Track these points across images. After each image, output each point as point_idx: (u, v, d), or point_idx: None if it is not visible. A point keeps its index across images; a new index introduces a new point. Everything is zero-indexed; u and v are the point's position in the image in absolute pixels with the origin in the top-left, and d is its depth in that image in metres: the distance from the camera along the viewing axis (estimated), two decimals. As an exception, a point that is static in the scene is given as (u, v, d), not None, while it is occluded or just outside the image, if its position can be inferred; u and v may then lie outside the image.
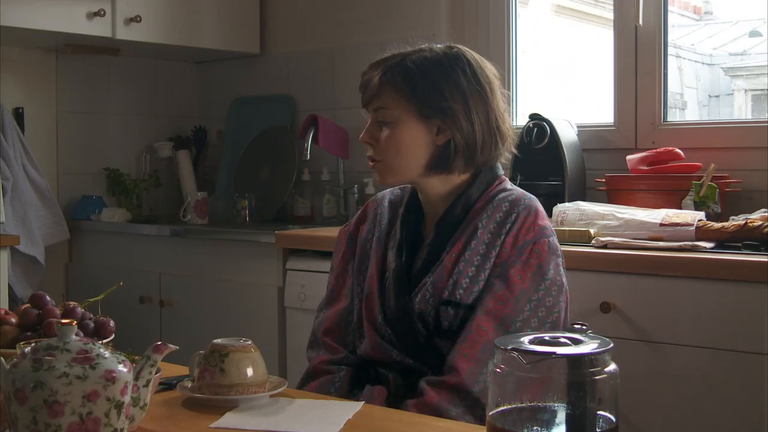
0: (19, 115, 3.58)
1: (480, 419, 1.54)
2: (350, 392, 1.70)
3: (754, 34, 3.22)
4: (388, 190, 1.87)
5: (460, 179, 1.73)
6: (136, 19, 3.40)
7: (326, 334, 1.77)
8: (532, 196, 1.72)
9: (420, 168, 1.70)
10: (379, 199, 1.86)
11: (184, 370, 1.60)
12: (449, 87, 1.67)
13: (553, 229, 1.70)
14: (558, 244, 1.69)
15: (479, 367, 1.57)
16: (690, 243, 2.23)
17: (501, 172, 1.76)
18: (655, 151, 2.73)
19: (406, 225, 1.75)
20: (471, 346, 1.60)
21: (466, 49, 1.74)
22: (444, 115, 1.67)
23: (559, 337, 1.04)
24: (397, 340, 1.68)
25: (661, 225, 2.31)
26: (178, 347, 1.29)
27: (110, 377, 1.09)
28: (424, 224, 1.77)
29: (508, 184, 1.74)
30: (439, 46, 1.73)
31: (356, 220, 1.87)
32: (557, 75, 3.40)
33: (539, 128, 2.83)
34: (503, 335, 1.55)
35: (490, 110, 1.70)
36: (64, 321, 1.14)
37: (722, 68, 3.38)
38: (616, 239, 2.32)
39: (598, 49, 3.24)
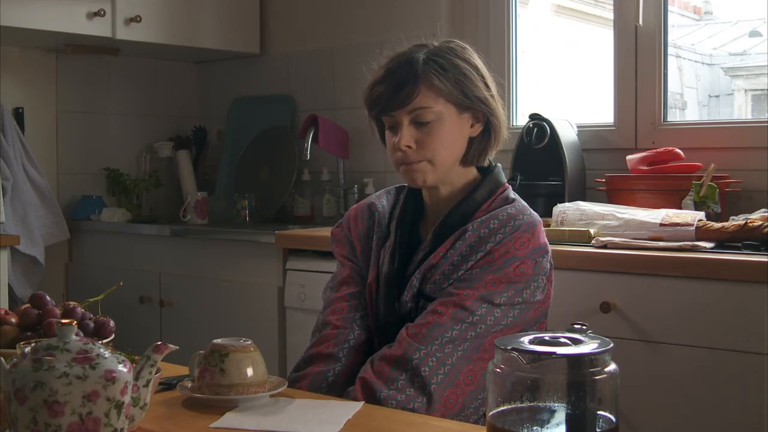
0: (19, 115, 3.58)
1: (421, 390, 1.54)
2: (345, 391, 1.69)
3: (754, 34, 3.22)
4: (383, 191, 1.85)
5: (465, 181, 1.73)
6: (136, 19, 3.40)
7: (333, 313, 1.74)
8: (535, 213, 1.69)
9: (456, 163, 1.70)
10: (375, 198, 1.83)
11: (184, 370, 1.60)
12: (479, 75, 1.69)
13: (549, 247, 1.68)
14: (549, 264, 1.67)
15: (424, 343, 1.56)
16: (690, 243, 2.23)
17: (504, 179, 1.75)
18: (655, 151, 2.73)
19: (401, 227, 1.74)
20: (422, 324, 1.59)
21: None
22: (481, 103, 1.68)
23: (559, 337, 1.04)
24: (388, 341, 1.67)
25: (661, 225, 2.31)
26: (178, 347, 1.29)
27: (110, 377, 1.09)
28: (422, 225, 1.76)
29: (512, 194, 1.72)
30: (435, 42, 1.72)
31: (347, 222, 1.83)
32: (557, 75, 3.40)
33: (539, 128, 2.83)
34: (458, 324, 1.57)
35: (498, 98, 1.73)
36: (64, 321, 1.14)
37: (722, 68, 3.38)
38: (616, 239, 2.32)
39: (598, 49, 3.24)
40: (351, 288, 1.75)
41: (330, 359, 1.68)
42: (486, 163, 1.75)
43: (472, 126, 1.70)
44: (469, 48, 1.73)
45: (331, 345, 1.69)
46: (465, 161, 1.71)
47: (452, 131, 1.67)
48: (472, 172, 1.74)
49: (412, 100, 1.64)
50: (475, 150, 1.71)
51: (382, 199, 1.82)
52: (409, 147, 1.65)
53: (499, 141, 1.73)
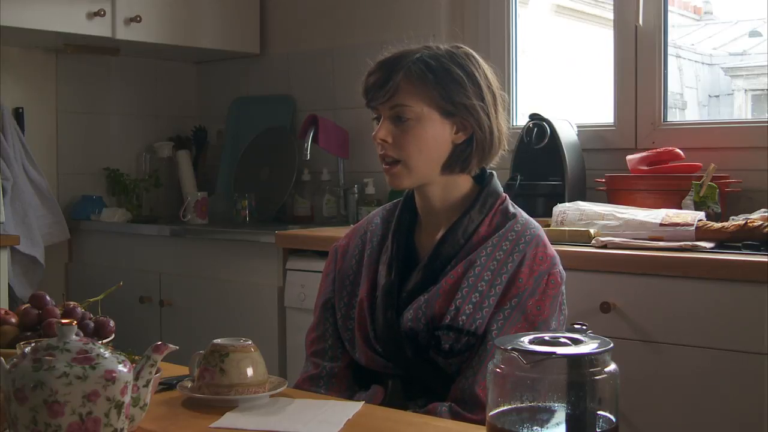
0: (19, 115, 3.58)
1: None
2: (351, 391, 1.70)
3: (754, 34, 3.22)
4: (380, 208, 1.85)
5: (461, 191, 1.71)
6: (136, 19, 3.40)
7: (308, 350, 1.78)
8: (536, 222, 1.70)
9: (437, 168, 1.67)
10: (370, 217, 1.83)
11: (184, 370, 1.60)
12: (471, 84, 1.66)
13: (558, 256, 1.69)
14: (564, 272, 1.69)
15: None
16: (690, 243, 2.23)
17: (501, 190, 1.73)
18: (655, 151, 2.73)
19: (397, 238, 1.73)
20: None
21: (469, 48, 1.74)
22: (467, 112, 1.65)
23: (559, 337, 1.04)
24: (387, 355, 1.66)
25: (661, 225, 2.31)
26: (178, 347, 1.29)
27: (110, 377, 1.09)
28: (417, 233, 1.75)
29: (510, 206, 1.71)
30: (443, 45, 1.72)
31: (346, 237, 1.84)
32: (557, 75, 3.40)
33: (539, 128, 2.83)
34: None
35: (498, 108, 1.71)
36: (64, 321, 1.14)
37: (722, 68, 3.38)
38: (616, 239, 2.32)
39: (598, 49, 3.24)
40: (316, 317, 1.79)
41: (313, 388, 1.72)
42: (473, 172, 1.71)
43: (456, 133, 1.67)
44: (475, 56, 1.71)
45: (307, 378, 1.73)
46: (446, 168, 1.68)
47: (431, 135, 1.65)
48: (467, 183, 1.72)
49: (392, 95, 1.64)
50: (457, 158, 1.68)
51: (376, 218, 1.81)
52: (385, 141, 1.66)
53: (486, 151, 1.69)
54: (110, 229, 3.60)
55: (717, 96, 3.39)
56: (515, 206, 1.72)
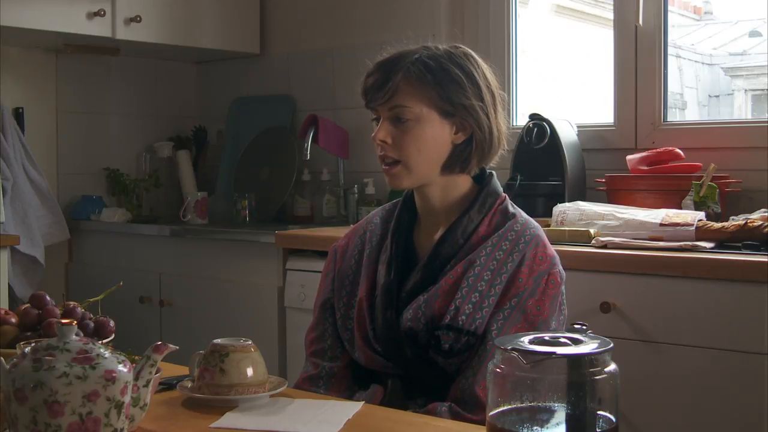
0: (19, 115, 3.58)
1: None
2: (351, 391, 1.70)
3: (754, 34, 3.22)
4: (379, 208, 1.84)
5: (460, 191, 1.71)
6: (136, 19, 3.40)
7: (307, 350, 1.78)
8: (536, 222, 1.70)
9: (436, 168, 1.67)
10: (370, 217, 1.82)
11: (184, 370, 1.60)
12: (470, 84, 1.66)
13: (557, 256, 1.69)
14: (564, 272, 1.68)
15: None
16: (690, 243, 2.23)
17: (501, 190, 1.73)
18: (655, 151, 2.73)
19: (396, 238, 1.72)
20: None
21: (468, 48, 1.74)
22: (466, 112, 1.65)
23: (559, 337, 1.04)
24: (387, 355, 1.66)
25: (661, 225, 2.31)
26: (178, 347, 1.29)
27: (110, 377, 1.09)
28: (416, 232, 1.75)
29: (510, 206, 1.71)
30: (441, 45, 1.72)
31: (346, 237, 1.83)
32: (557, 75, 3.40)
33: (539, 128, 2.83)
34: None
35: (498, 108, 1.71)
36: (64, 321, 1.14)
37: (722, 68, 3.38)
38: (616, 239, 2.32)
39: (598, 49, 3.24)
40: (315, 317, 1.79)
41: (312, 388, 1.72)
42: (473, 172, 1.71)
43: (456, 133, 1.67)
44: (474, 56, 1.71)
45: (307, 378, 1.73)
46: (445, 168, 1.68)
47: (431, 135, 1.65)
48: (466, 183, 1.71)
49: (391, 96, 1.64)
50: (456, 158, 1.67)
51: (375, 218, 1.81)
52: (384, 142, 1.66)
53: (485, 151, 1.69)
54: (110, 229, 3.60)
55: (717, 96, 3.39)
56: (515, 206, 1.72)
